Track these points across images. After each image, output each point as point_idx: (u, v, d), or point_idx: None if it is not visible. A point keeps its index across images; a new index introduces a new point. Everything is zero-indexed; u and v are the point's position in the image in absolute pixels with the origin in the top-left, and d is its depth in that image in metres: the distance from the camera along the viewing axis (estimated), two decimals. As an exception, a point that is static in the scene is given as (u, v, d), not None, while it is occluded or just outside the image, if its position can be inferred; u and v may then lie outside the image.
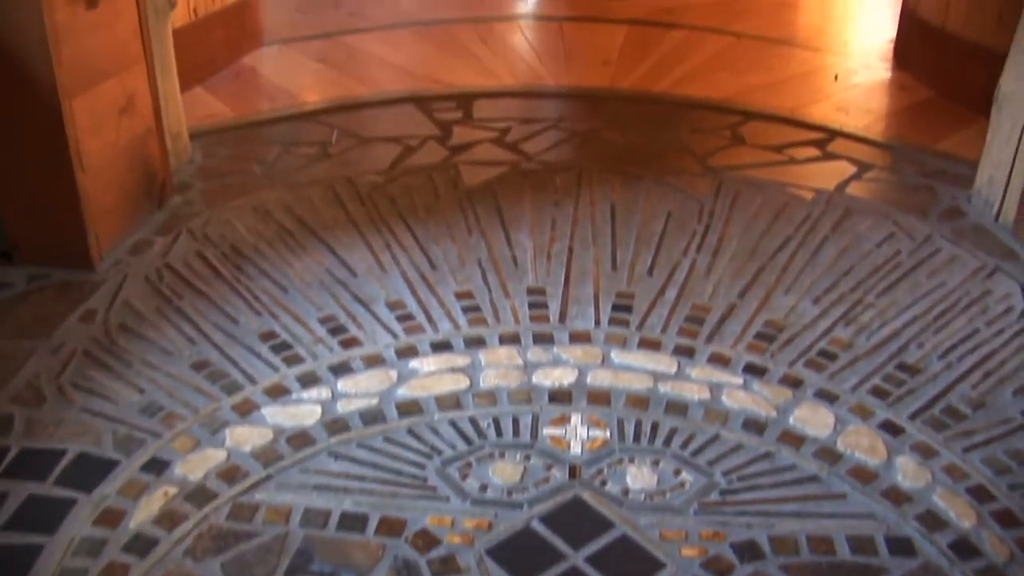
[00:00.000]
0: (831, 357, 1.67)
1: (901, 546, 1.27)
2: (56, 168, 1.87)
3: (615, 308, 1.81)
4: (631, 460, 1.42)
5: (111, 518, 1.29)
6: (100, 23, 1.95)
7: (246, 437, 1.45)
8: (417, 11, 4.32)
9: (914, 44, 3.49)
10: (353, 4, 4.40)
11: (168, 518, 1.29)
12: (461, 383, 1.59)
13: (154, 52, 2.19)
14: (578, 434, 1.48)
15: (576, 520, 1.31)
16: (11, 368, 1.61)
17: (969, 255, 2.04)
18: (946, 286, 1.91)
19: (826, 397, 1.56)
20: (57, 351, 1.66)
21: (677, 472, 1.40)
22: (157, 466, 1.39)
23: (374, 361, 1.64)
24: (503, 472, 1.40)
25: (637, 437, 1.47)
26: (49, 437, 1.44)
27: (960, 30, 3.13)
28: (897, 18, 3.75)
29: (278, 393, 1.56)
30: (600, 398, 1.55)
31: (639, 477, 1.39)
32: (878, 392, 1.58)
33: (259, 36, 3.64)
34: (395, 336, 1.71)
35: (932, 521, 1.31)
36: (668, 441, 1.46)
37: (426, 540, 1.26)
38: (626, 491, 1.36)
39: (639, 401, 1.55)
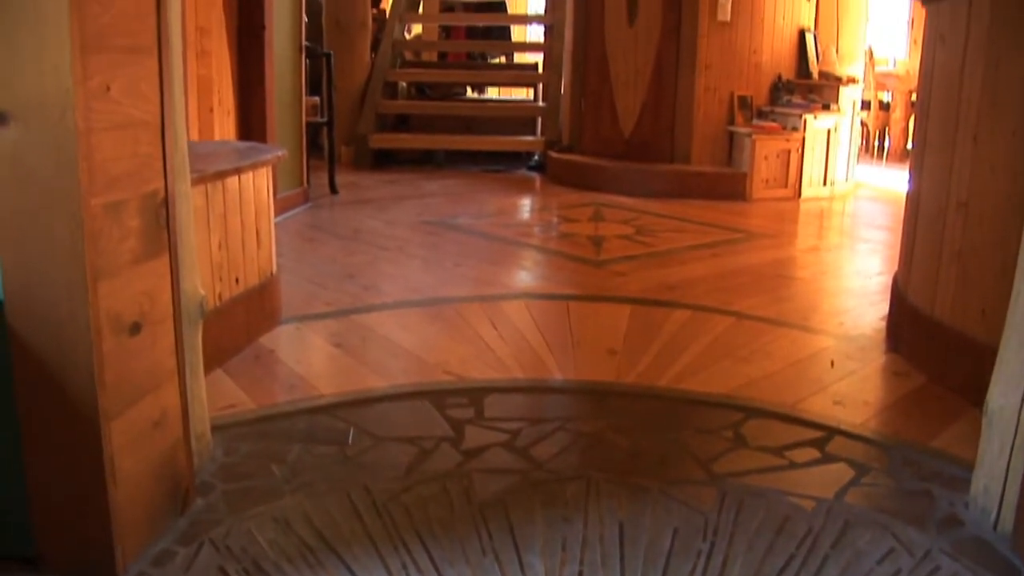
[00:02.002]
0: None
1: None
2: (91, 485, 1.96)
3: (625, 647, 1.86)
4: None
5: None
6: (141, 347, 2.08)
7: None
8: (428, 286, 4.51)
9: (905, 327, 3.64)
10: (366, 277, 4.61)
11: None
12: None
13: (186, 362, 2.32)
14: None
15: None
16: None
17: (969, 572, 2.09)
18: (947, 612, 1.96)
19: None
20: None
21: None
22: None
23: None
24: None
25: None
26: None
27: (947, 319, 3.29)
28: (889, 294, 3.94)
29: None
30: None
31: None
32: None
33: (277, 315, 3.81)
34: (412, 677, 1.75)
35: None
36: None
37: None
38: None
39: None
